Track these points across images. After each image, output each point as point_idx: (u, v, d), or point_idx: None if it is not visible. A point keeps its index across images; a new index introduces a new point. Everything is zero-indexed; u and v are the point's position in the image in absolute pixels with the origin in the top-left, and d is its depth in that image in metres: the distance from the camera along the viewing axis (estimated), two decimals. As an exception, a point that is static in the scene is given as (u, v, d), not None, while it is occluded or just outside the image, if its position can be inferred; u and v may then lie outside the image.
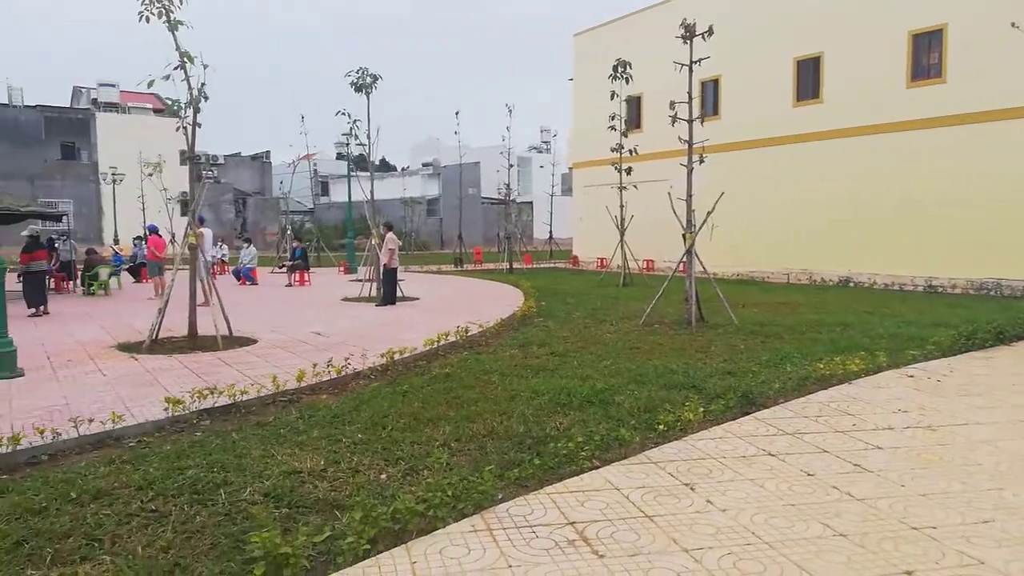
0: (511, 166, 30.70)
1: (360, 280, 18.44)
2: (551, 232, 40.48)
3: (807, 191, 21.42)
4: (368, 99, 16.14)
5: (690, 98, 12.03)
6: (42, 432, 5.39)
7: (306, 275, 21.72)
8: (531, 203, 54.71)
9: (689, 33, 11.96)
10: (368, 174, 18.25)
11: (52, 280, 18.95)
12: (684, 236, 11.98)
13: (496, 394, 6.91)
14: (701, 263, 12.16)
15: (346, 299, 16.57)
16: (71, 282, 19.70)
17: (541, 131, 71.32)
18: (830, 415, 6.31)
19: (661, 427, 5.71)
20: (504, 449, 5.22)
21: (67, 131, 47.34)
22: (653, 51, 23.20)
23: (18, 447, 5.12)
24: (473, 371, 8.00)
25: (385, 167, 73.11)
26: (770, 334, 10.67)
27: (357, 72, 15.89)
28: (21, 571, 3.38)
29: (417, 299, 16.33)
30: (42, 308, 13.77)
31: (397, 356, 8.66)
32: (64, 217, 21.71)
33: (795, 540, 3.78)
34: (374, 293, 16.14)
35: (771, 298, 16.44)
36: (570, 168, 36.77)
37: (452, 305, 15.26)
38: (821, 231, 20.97)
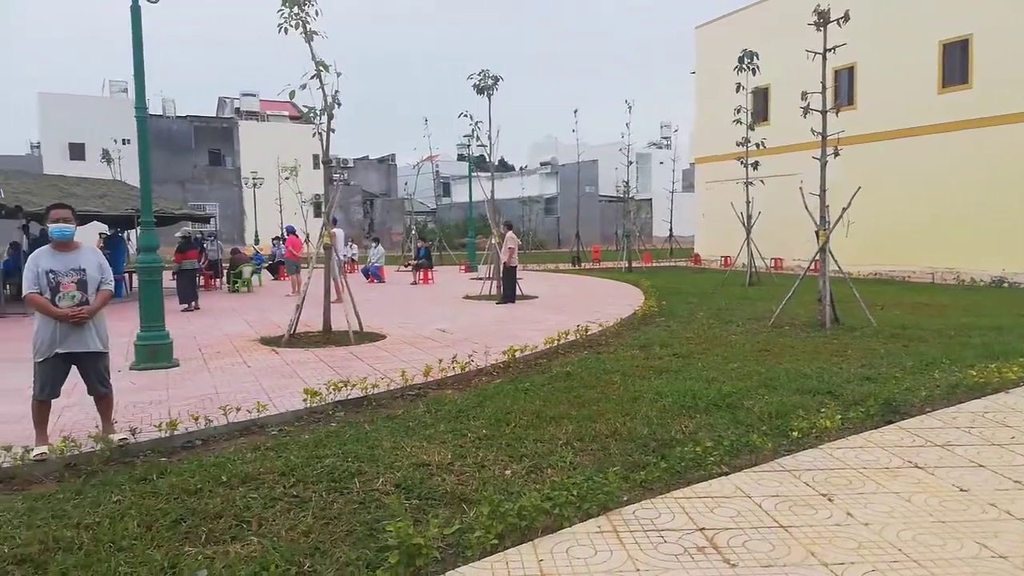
0: (630, 163, 30.32)
1: (481, 278, 18.78)
2: (671, 230, 39.65)
3: (954, 183, 19.83)
4: (489, 101, 16.40)
5: (823, 88, 11.43)
6: (196, 419, 5.84)
7: (430, 273, 22.36)
8: (650, 200, 53.82)
9: (823, 19, 11.36)
10: (488, 174, 18.56)
11: (201, 278, 20.51)
12: (817, 233, 11.40)
13: (618, 394, 6.83)
14: (836, 261, 11.52)
15: (467, 297, 16.92)
16: (218, 279, 21.23)
17: (661, 126, 70.01)
18: (985, 426, 5.81)
19: (795, 434, 5.45)
20: (628, 451, 5.16)
21: (213, 139, 51.12)
22: (781, 40, 22.22)
23: (175, 432, 5.57)
24: (594, 371, 7.95)
25: (504, 167, 74.08)
26: (913, 337, 9.97)
27: (479, 75, 16.18)
28: (179, 547, 3.66)
29: (536, 297, 16.44)
30: (193, 303, 14.91)
31: (518, 354, 8.75)
32: (211, 219, 23.44)
33: (948, 560, 3.51)
34: (494, 291, 16.39)
35: (913, 299, 15.35)
36: (692, 164, 35.86)
37: (571, 303, 15.26)
38: (971, 227, 19.36)
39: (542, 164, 61.22)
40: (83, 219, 15.21)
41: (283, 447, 5.33)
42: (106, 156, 38.81)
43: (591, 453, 5.14)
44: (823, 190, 11.33)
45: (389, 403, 6.77)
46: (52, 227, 5.29)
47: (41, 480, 4.76)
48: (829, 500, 4.27)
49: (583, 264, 30.30)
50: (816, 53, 11.41)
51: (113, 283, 5.50)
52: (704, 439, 5.24)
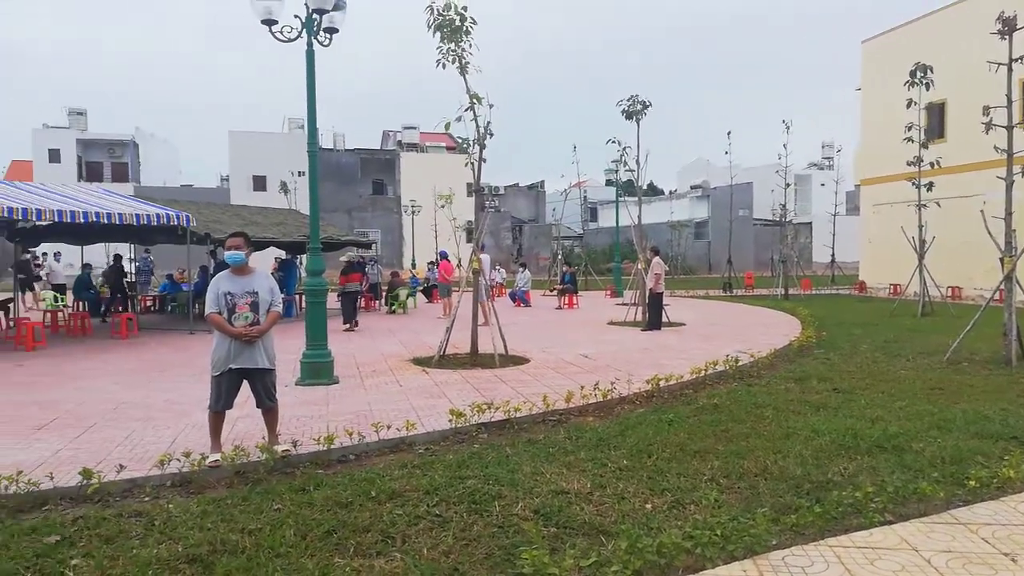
0: (788, 185, 28.91)
1: (626, 304, 18.57)
2: (833, 255, 37.28)
3: None
4: (638, 125, 16.30)
5: (1009, 101, 10.38)
6: (351, 434, 6.17)
7: (575, 298, 22.42)
8: (810, 224, 50.98)
9: (1007, 27, 10.36)
10: (636, 199, 18.39)
11: (362, 299, 21.79)
12: (1002, 260, 10.30)
13: (769, 430, 6.49)
14: (1024, 291, 10.35)
15: (612, 323, 16.78)
16: (377, 301, 22.44)
17: (823, 146, 66.44)
18: None
19: (972, 483, 4.91)
20: (779, 491, 4.87)
21: (377, 170, 54.39)
22: (958, 52, 20.50)
23: (332, 446, 5.92)
24: (743, 404, 7.61)
25: (652, 191, 73.13)
26: (1124, 380, 8.73)
27: (628, 101, 16.15)
28: (330, 558, 3.86)
29: (683, 324, 16.01)
30: (354, 323, 15.83)
31: (662, 383, 8.54)
32: (373, 244, 24.90)
33: None
34: (639, 317, 16.14)
35: (1125, 335, 13.44)
36: (857, 185, 33.64)
37: (720, 332, 14.72)
38: None
39: (692, 187, 59.87)
40: (261, 245, 16.72)
41: (428, 466, 5.51)
42: (283, 187, 42.33)
43: (737, 492, 4.90)
44: (1009, 212, 10.25)
45: (531, 427, 6.82)
46: (227, 254, 5.84)
47: (213, 485, 5.21)
48: (1012, 561, 3.80)
49: (735, 291, 29.16)
50: (1000, 64, 10.40)
51: (281, 305, 5.96)
52: (865, 483, 4.84)
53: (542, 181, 62.81)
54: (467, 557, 3.85)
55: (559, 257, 31.22)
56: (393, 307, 20.68)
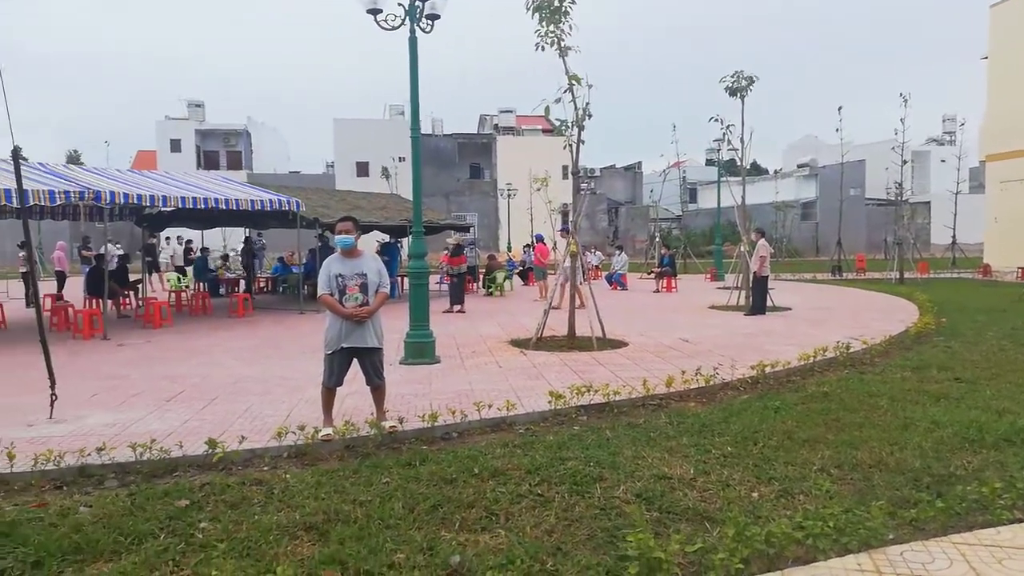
0: (904, 162, 27.24)
1: (727, 288, 18.07)
2: (954, 237, 34.94)
3: None
4: (743, 103, 15.74)
5: None
6: (453, 413, 6.31)
7: (673, 281, 22.01)
8: (928, 203, 47.97)
9: None
10: (739, 179, 17.81)
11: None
12: None
13: (884, 421, 6.18)
14: None
15: (713, 307, 16.38)
16: (475, 284, 22.79)
17: (944, 120, 62.25)
18: None
19: (1116, 483, 4.53)
20: (895, 484, 4.64)
21: (474, 154, 55.05)
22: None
23: (435, 423, 6.09)
24: (856, 392, 7.28)
25: (756, 170, 70.63)
26: None
27: (733, 77, 15.60)
28: (436, 531, 3.98)
29: (789, 309, 15.43)
30: (459, 306, 16.07)
31: (768, 369, 8.29)
32: (471, 228, 25.24)
33: None
34: (742, 302, 15.68)
35: None
36: (982, 161, 31.33)
37: (829, 317, 14.10)
38: None
39: (799, 166, 57.37)
40: (365, 229, 17.28)
41: (529, 446, 5.57)
42: (385, 172, 43.51)
43: (850, 483, 4.71)
44: None
45: (630, 411, 6.78)
46: (337, 238, 6.06)
47: (326, 458, 5.47)
48: None
49: (845, 274, 27.83)
50: None
51: (389, 287, 6.15)
52: (992, 479, 4.55)
53: (639, 162, 61.87)
54: (570, 537, 3.88)
55: (657, 239, 30.67)
56: (490, 289, 20.94)
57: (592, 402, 6.83)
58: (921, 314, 13.35)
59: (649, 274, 25.67)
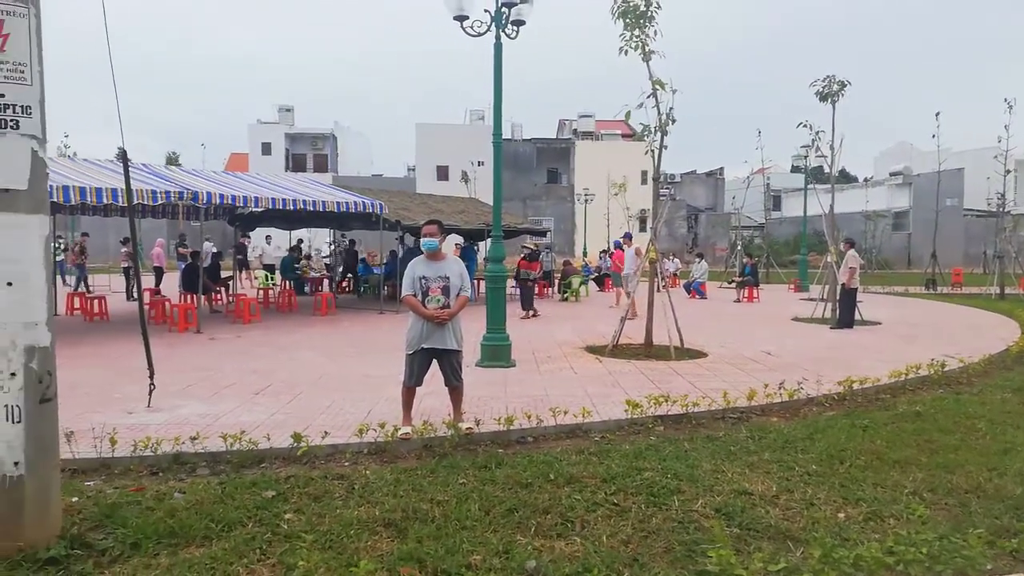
0: (1008, 171, 25.70)
1: (812, 299, 17.48)
2: (1064, 251, 32.69)
3: None
4: (833, 108, 15.21)
5: None
6: (529, 417, 6.34)
7: (755, 291, 21.45)
8: (1034, 215, 45.06)
9: None
10: (826, 186, 17.20)
11: (536, 286, 22.23)
12: None
13: (982, 444, 5.85)
14: None
15: (797, 319, 15.86)
16: (550, 288, 22.80)
17: (1054, 126, 58.26)
18: None
19: None
20: (994, 512, 4.39)
21: (552, 159, 55.11)
22: None
23: (511, 427, 6.12)
24: (951, 413, 6.91)
25: (845, 178, 68.07)
26: None
27: (823, 81, 15.10)
28: (512, 535, 4.00)
29: (879, 324, 14.79)
30: (532, 311, 16.09)
31: (856, 385, 7.97)
32: (547, 233, 25.28)
33: None
34: (828, 314, 15.13)
35: None
36: (1097, 171, 29.24)
37: (922, 333, 13.45)
38: None
39: (892, 174, 54.89)
40: (445, 232, 17.57)
41: (605, 454, 5.53)
42: (464, 176, 44.06)
43: (945, 508, 4.48)
44: None
45: (709, 424, 6.64)
46: (422, 240, 6.18)
47: (404, 456, 5.58)
48: None
49: (939, 288, 26.47)
50: None
51: (470, 290, 6.22)
52: (1106, 513, 4.24)
53: (721, 168, 60.49)
54: (647, 548, 3.84)
55: (739, 248, 29.94)
56: (566, 295, 20.89)
57: (669, 413, 6.73)
58: (1025, 333, 12.58)
59: (730, 283, 25.09)
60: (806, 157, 23.20)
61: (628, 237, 16.48)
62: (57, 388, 3.82)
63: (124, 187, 6.31)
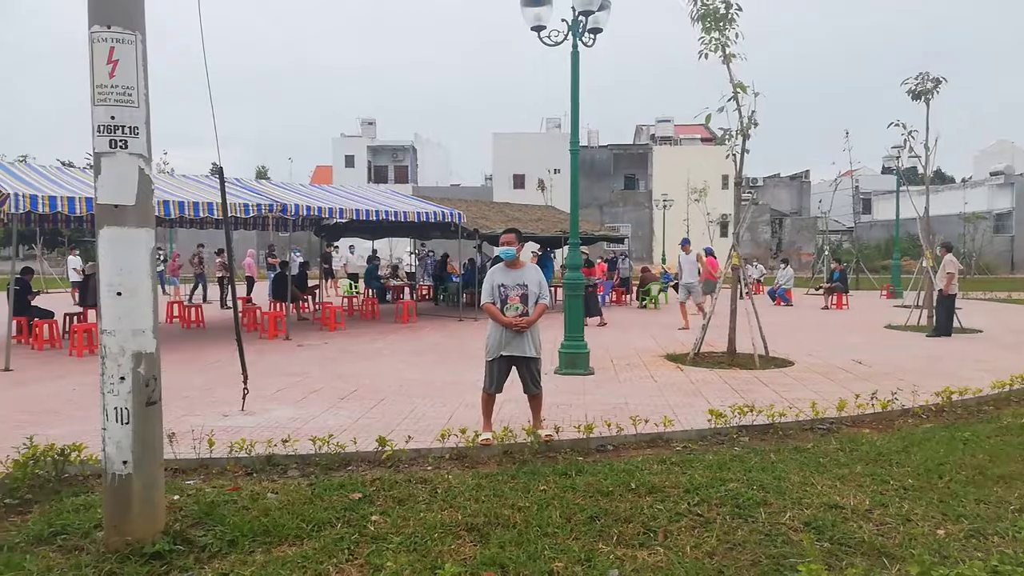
0: None
1: (906, 306, 16.70)
2: None
3: None
4: (927, 106, 14.52)
5: None
6: (609, 425, 6.30)
7: (844, 298, 20.65)
8: None
9: None
10: (921, 188, 16.41)
11: (613, 293, 22.07)
12: None
13: (1101, 460, 5.45)
14: None
15: (889, 326, 15.18)
16: (628, 296, 22.58)
17: None
18: None
19: None
20: (1115, 534, 4.08)
21: (629, 164, 54.66)
22: None
23: (591, 435, 6.10)
24: (1064, 427, 6.47)
25: (941, 179, 64.75)
26: None
27: (916, 78, 14.44)
28: (593, 543, 3.98)
29: (979, 332, 13.99)
30: (598, 318, 15.85)
31: (955, 396, 7.56)
32: (624, 239, 25.05)
33: None
34: (923, 321, 14.42)
35: None
36: None
37: (1030, 342, 12.64)
38: None
39: (992, 174, 51.87)
40: (523, 240, 17.70)
41: (687, 464, 5.44)
42: (540, 184, 44.21)
43: (1056, 528, 4.20)
44: None
45: (797, 434, 6.44)
46: (500, 249, 6.23)
47: (485, 461, 5.63)
48: None
49: (1048, 294, 24.80)
50: None
51: (548, 298, 6.25)
52: None
53: (807, 171, 58.61)
54: (732, 561, 3.75)
55: (826, 253, 28.89)
56: (644, 302, 20.64)
57: (754, 423, 6.56)
58: None
59: (817, 289, 24.24)
60: (898, 158, 22.17)
61: (687, 243, 16.16)
62: (161, 392, 4.05)
63: (219, 201, 6.65)
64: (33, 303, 13.01)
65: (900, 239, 28.85)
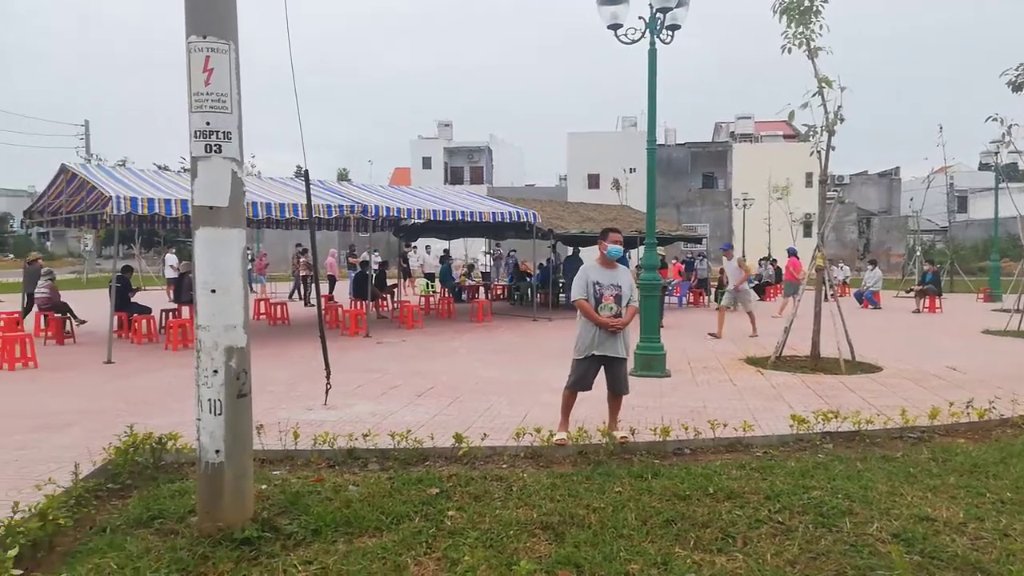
0: None
1: (1006, 310, 15.77)
2: None
3: None
4: (1031, 98, 13.64)
5: None
6: (686, 428, 6.20)
7: (937, 301, 19.66)
8: None
9: None
10: (1022, 185, 15.45)
11: (691, 295, 21.70)
12: None
13: None
14: None
15: (987, 332, 14.37)
16: (706, 297, 22.15)
17: None
18: None
19: None
20: None
21: (707, 163, 53.56)
22: None
23: (667, 438, 6.02)
24: None
25: (1046, 175, 60.74)
26: None
27: (1017, 69, 13.60)
28: (670, 547, 3.93)
29: (1090, 338, 13.09)
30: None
31: (1062, 407, 7.10)
32: (703, 239, 24.57)
33: None
34: (1026, 327, 13.59)
35: None
36: None
37: None
38: None
39: (1105, 170, 48.38)
40: (592, 239, 17.61)
41: (768, 470, 5.31)
42: (615, 184, 43.83)
43: None
44: None
45: (885, 443, 6.18)
46: (609, 247, 6.11)
47: (560, 461, 5.64)
48: None
49: None
50: None
51: (638, 301, 6.17)
52: None
53: (897, 167, 56.02)
54: (815, 571, 3.64)
55: (918, 254, 27.57)
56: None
57: (839, 429, 6.33)
58: None
59: (908, 292, 23.17)
60: (997, 153, 20.93)
61: (729, 248, 15.69)
62: (251, 385, 4.23)
63: (304, 202, 6.90)
64: (132, 300, 13.78)
65: (999, 239, 27.23)
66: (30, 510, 4.02)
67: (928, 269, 21.46)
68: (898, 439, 6.28)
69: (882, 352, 11.09)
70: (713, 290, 21.82)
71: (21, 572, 3.54)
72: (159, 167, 24.32)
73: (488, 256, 26.25)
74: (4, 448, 6.04)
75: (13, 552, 3.47)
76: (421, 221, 16.07)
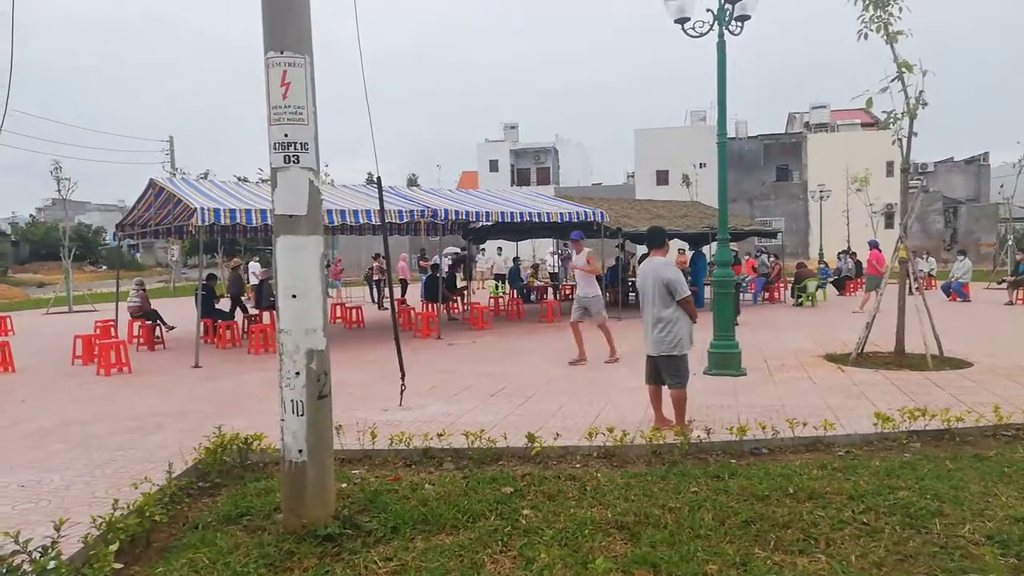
0: None
1: (1113, 301, 14.77)
2: None
3: None
4: None
5: None
6: (763, 427, 6.06)
7: (1033, 292, 18.57)
8: None
9: None
10: None
11: (765, 292, 21.13)
12: None
13: None
14: None
15: (1092, 323, 13.51)
16: (782, 292, 21.53)
17: None
18: None
19: None
20: None
21: (781, 155, 52.02)
22: None
23: (744, 437, 5.90)
24: None
25: None
26: None
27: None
28: (749, 548, 3.86)
29: None
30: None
31: None
32: (777, 234, 23.88)
33: None
34: None
35: None
36: None
37: None
38: None
39: None
40: (667, 237, 17.35)
41: (851, 470, 5.15)
42: (685, 180, 43.13)
43: None
44: None
45: (977, 441, 5.90)
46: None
47: (633, 460, 5.61)
48: None
49: None
50: None
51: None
52: None
53: (985, 153, 53.13)
54: (903, 573, 3.52)
55: (1009, 243, 26.13)
56: (800, 300, 19.60)
57: (927, 428, 6.07)
58: None
59: (1000, 283, 21.98)
60: (1098, 133, 19.63)
61: (579, 239, 14.38)
62: (331, 386, 4.37)
63: (376, 208, 7.07)
64: (217, 306, 14.39)
65: (1103, 225, 25.54)
66: (129, 507, 4.26)
67: (1021, 259, 20.30)
68: (991, 437, 5.99)
69: (972, 347, 10.56)
70: (789, 285, 21.20)
71: (121, 566, 3.76)
72: (239, 179, 25.30)
73: (556, 256, 26.22)
74: (104, 448, 6.42)
75: (114, 547, 3.69)
76: (489, 223, 16.19)
